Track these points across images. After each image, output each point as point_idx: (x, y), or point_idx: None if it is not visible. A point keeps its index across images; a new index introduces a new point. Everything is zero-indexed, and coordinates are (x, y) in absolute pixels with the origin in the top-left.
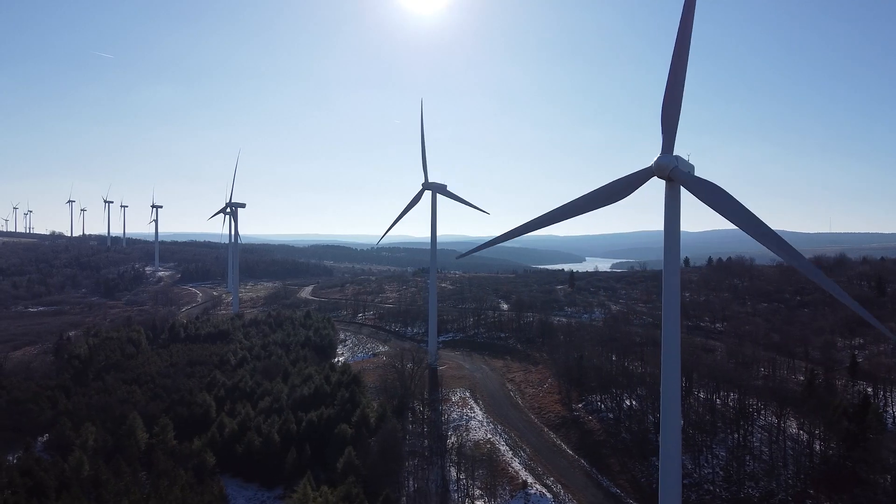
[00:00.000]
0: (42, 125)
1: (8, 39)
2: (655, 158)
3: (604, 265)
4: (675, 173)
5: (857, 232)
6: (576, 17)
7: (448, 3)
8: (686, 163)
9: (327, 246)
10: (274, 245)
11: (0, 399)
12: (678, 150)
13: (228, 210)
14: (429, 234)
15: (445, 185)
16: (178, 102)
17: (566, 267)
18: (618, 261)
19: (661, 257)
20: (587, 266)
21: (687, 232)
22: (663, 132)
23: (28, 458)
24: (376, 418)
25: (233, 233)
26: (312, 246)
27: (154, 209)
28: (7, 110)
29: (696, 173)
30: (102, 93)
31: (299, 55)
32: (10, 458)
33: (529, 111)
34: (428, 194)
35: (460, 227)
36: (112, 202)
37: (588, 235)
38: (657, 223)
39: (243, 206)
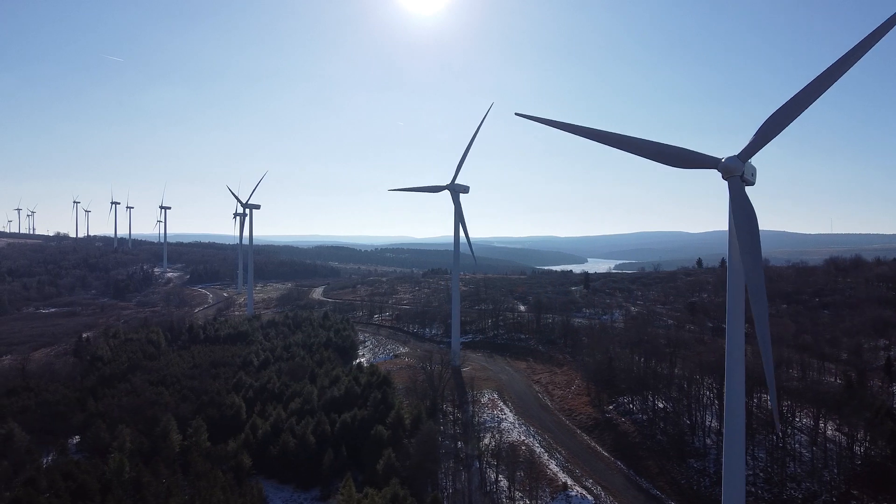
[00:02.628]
0: (46, 127)
1: (12, 42)
2: (725, 158)
3: (607, 266)
4: (733, 182)
5: (857, 233)
6: (575, 19)
7: (448, 3)
8: (752, 170)
9: (332, 247)
10: (278, 246)
11: (29, 401)
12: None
13: (244, 211)
14: (432, 236)
15: (467, 187)
16: (180, 105)
17: (569, 268)
18: (620, 262)
19: (667, 258)
20: (590, 267)
21: (688, 233)
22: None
23: (66, 460)
24: (411, 420)
25: (245, 234)
26: (317, 247)
27: (162, 210)
28: (11, 112)
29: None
30: (106, 95)
31: (303, 58)
32: (44, 460)
33: (529, 111)
34: (450, 196)
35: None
36: (119, 203)
37: (589, 236)
38: (656, 225)
39: (258, 207)
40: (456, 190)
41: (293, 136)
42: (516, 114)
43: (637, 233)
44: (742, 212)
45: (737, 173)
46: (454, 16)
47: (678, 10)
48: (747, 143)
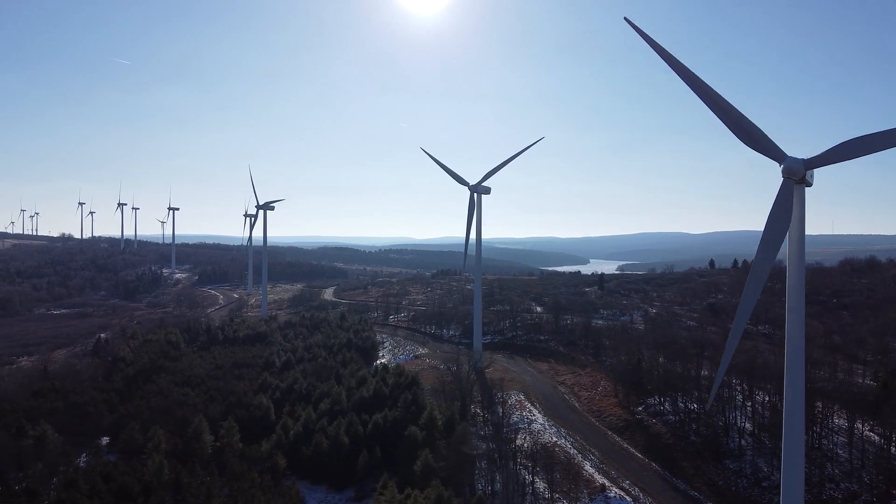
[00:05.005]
0: (49, 128)
1: (15, 43)
2: (781, 167)
3: (609, 267)
4: (810, 165)
5: (858, 234)
6: (575, 20)
7: (448, 4)
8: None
9: (336, 248)
10: (282, 247)
11: (56, 402)
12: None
13: (256, 212)
14: (433, 237)
15: (489, 189)
16: (183, 107)
17: (576, 269)
18: (623, 262)
19: (669, 259)
20: (593, 267)
21: (689, 234)
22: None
23: (103, 461)
24: (444, 421)
25: (257, 234)
26: (321, 248)
27: (171, 211)
28: (13, 114)
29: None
30: (110, 96)
31: (306, 60)
32: (78, 461)
33: (528, 114)
34: (475, 196)
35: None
36: (125, 204)
37: (590, 237)
38: (657, 225)
39: (272, 207)
40: (479, 191)
41: (295, 138)
42: (625, 18)
43: (638, 233)
44: (780, 212)
45: (795, 177)
46: (454, 16)
47: (677, 12)
48: (821, 152)
